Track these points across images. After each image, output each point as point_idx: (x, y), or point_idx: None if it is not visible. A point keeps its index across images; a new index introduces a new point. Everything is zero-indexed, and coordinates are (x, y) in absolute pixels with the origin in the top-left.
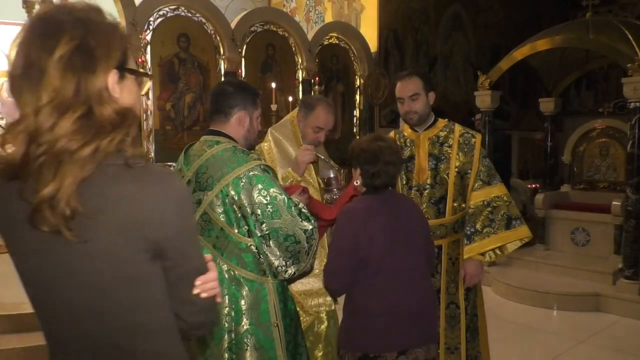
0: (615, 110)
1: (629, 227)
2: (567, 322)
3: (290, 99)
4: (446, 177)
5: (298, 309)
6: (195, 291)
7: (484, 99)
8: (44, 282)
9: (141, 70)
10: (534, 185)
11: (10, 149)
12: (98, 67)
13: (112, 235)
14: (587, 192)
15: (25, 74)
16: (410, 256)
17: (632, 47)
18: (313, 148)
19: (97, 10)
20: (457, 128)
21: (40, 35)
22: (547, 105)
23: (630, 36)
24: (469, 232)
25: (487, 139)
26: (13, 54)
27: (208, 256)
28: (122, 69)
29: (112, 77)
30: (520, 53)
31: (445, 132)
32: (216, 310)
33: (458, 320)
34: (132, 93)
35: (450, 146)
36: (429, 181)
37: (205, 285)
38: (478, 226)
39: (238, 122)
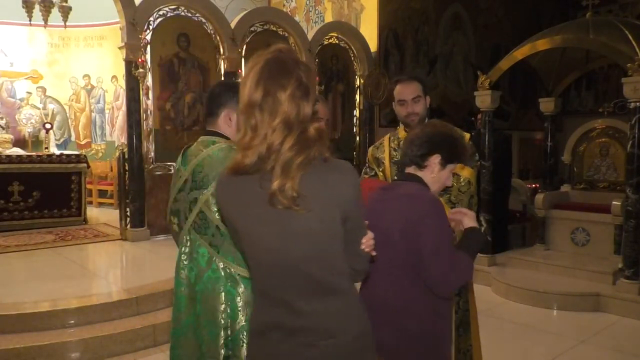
0: (615, 110)
1: (629, 227)
2: (567, 322)
3: None
4: None
5: None
6: (361, 247)
7: (484, 99)
8: (276, 242)
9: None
10: (534, 185)
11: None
12: (310, 97)
13: (323, 206)
14: (587, 192)
15: (264, 101)
16: (384, 249)
17: (632, 47)
18: None
19: (295, 51)
20: None
21: (277, 75)
22: (547, 105)
23: (630, 36)
24: None
25: (487, 139)
26: (249, 81)
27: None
28: None
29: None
30: (520, 53)
31: None
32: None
33: None
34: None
35: None
36: None
37: (367, 242)
38: None
39: (225, 121)
